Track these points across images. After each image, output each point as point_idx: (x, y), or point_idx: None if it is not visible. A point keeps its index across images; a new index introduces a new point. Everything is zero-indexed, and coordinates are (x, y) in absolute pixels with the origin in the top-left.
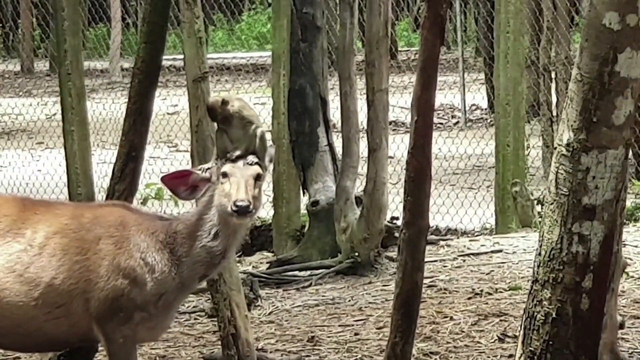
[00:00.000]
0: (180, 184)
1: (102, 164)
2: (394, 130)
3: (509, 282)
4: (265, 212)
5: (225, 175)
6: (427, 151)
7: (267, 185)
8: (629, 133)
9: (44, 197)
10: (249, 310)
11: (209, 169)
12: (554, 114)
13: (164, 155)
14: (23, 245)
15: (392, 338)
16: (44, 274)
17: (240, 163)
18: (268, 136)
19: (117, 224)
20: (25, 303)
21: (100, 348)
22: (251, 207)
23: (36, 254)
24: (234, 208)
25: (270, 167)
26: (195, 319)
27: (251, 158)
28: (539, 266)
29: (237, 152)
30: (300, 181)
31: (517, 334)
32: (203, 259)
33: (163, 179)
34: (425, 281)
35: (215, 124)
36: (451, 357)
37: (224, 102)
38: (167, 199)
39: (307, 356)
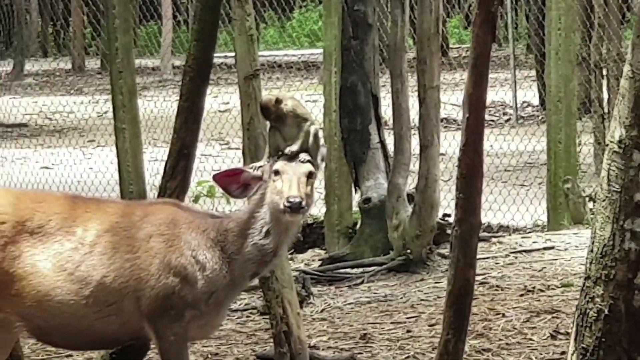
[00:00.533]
0: (232, 182)
1: (154, 161)
2: (445, 127)
3: (561, 279)
4: (317, 209)
5: (277, 173)
6: (478, 148)
7: (319, 183)
8: None
9: (95, 195)
10: (301, 307)
11: (261, 167)
12: (606, 110)
13: (215, 153)
14: (74, 244)
15: (444, 335)
16: (94, 273)
17: (293, 161)
18: (320, 134)
19: (168, 221)
20: (76, 301)
21: (152, 346)
22: (303, 203)
23: (87, 252)
24: (286, 204)
25: (322, 165)
26: (248, 316)
27: (303, 156)
28: (591, 263)
29: (291, 149)
30: (352, 178)
31: (569, 330)
32: (254, 257)
33: (215, 177)
34: (477, 278)
35: (268, 122)
36: (503, 354)
37: (278, 101)
38: (219, 196)
39: (359, 353)
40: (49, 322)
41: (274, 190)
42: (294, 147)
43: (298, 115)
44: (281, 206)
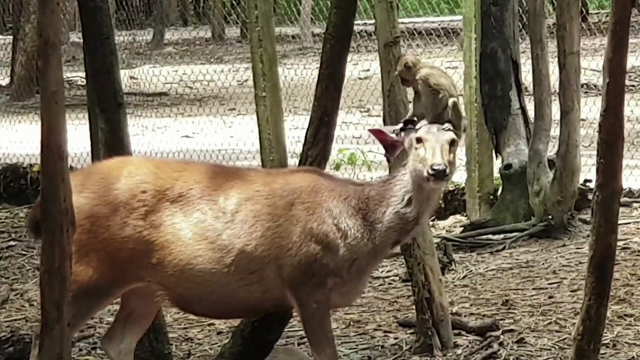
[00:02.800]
0: (384, 139)
1: (295, 129)
2: (585, 93)
3: None
4: (459, 175)
5: (419, 140)
6: (619, 113)
7: (460, 150)
8: None
9: (236, 163)
10: (443, 274)
11: (402, 130)
12: None
13: (356, 120)
14: (215, 212)
15: (586, 301)
16: (236, 241)
17: (435, 128)
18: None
19: (309, 189)
20: (218, 270)
21: (294, 314)
22: (447, 170)
23: (228, 220)
24: (430, 172)
25: (464, 136)
26: (390, 283)
27: (446, 125)
28: None
29: (427, 121)
30: (493, 144)
31: None
32: (396, 225)
33: (372, 132)
34: (619, 243)
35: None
36: None
37: (408, 66)
38: (359, 164)
39: (502, 320)
40: (191, 290)
41: (417, 158)
42: (429, 118)
43: (430, 85)
44: (425, 173)
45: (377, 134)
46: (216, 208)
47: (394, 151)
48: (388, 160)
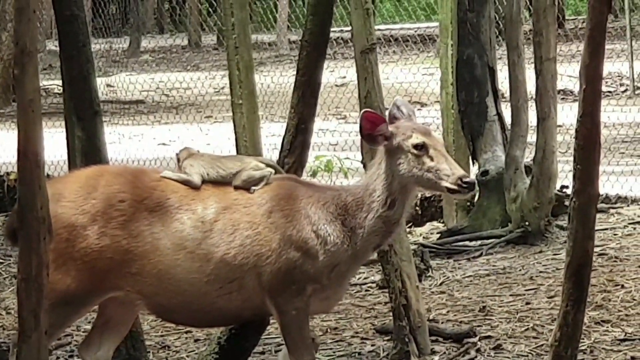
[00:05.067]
0: (371, 127)
1: (271, 136)
2: (562, 99)
3: None
4: None
5: (422, 147)
6: (595, 119)
7: None
8: None
9: None
10: (420, 280)
11: (397, 128)
12: None
13: (333, 127)
14: (194, 222)
15: (563, 307)
16: (215, 250)
17: (422, 127)
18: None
19: (287, 197)
20: (198, 279)
21: (272, 321)
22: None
23: (207, 230)
24: (463, 185)
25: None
26: (366, 290)
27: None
28: None
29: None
30: (470, 151)
31: None
32: (379, 228)
33: (366, 112)
34: (596, 249)
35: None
36: (623, 325)
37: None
38: (336, 171)
39: (479, 326)
40: (170, 300)
41: (423, 166)
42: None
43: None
44: (449, 185)
45: (370, 117)
46: (195, 217)
47: (373, 142)
48: (364, 167)
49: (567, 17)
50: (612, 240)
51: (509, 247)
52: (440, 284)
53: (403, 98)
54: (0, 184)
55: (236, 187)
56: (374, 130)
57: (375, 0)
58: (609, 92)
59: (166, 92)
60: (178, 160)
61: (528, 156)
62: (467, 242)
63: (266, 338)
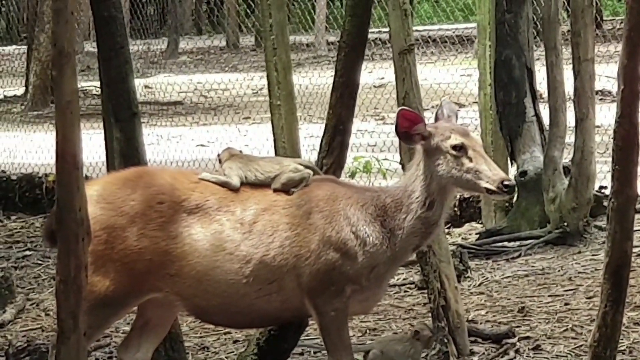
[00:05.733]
0: (408, 125)
1: (310, 137)
2: (600, 99)
3: None
4: None
5: (460, 148)
6: (634, 120)
7: None
8: None
9: None
10: (459, 281)
11: (435, 129)
12: None
13: (371, 128)
14: (233, 223)
15: (602, 307)
16: (255, 251)
17: (460, 127)
18: None
19: (326, 198)
20: (237, 281)
21: (311, 322)
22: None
23: (246, 231)
24: (504, 189)
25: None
26: (405, 291)
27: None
28: None
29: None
30: (508, 152)
31: None
32: (418, 230)
33: (403, 110)
34: (635, 250)
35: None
36: None
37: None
38: (374, 172)
39: (518, 327)
40: (209, 301)
41: (462, 167)
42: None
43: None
44: (489, 186)
45: (407, 115)
46: (234, 219)
47: (409, 140)
48: (403, 168)
49: (605, 18)
50: None
51: (548, 248)
52: (479, 285)
53: (446, 99)
54: (38, 185)
55: (275, 190)
56: (410, 128)
57: (413, 1)
58: None
59: (204, 93)
60: (219, 161)
61: (566, 157)
62: (505, 243)
63: (305, 339)
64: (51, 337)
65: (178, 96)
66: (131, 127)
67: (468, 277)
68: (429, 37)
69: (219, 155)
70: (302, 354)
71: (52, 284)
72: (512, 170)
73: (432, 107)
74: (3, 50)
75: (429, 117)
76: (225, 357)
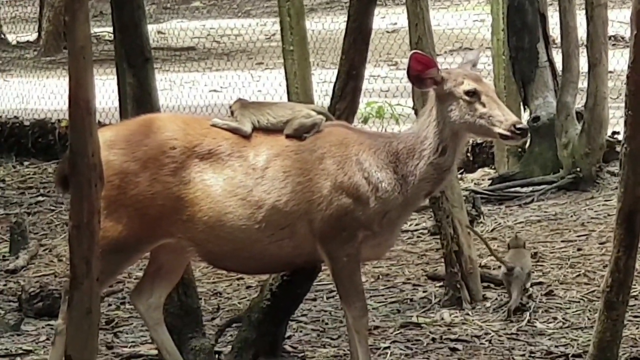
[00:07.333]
0: (421, 68)
1: (322, 83)
2: (613, 45)
3: None
4: None
5: (473, 93)
6: None
7: None
8: None
9: None
10: (472, 227)
11: (448, 74)
12: None
13: (384, 74)
14: (245, 169)
15: (615, 253)
16: (267, 197)
17: (474, 74)
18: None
19: (338, 143)
20: (249, 226)
21: (323, 267)
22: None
23: (259, 176)
24: (517, 132)
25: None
26: (418, 236)
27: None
28: None
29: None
30: (521, 97)
31: None
32: (430, 175)
33: (415, 54)
34: None
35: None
36: None
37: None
38: (387, 117)
39: (531, 272)
40: (222, 247)
41: (475, 112)
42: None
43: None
44: (502, 131)
45: (419, 58)
46: (246, 164)
47: (420, 84)
48: (416, 113)
49: None
50: None
51: (561, 193)
52: (492, 230)
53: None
54: (51, 131)
55: (288, 136)
56: (423, 72)
57: None
58: None
59: (217, 38)
60: (232, 113)
61: (579, 102)
62: (518, 189)
63: (318, 284)
64: (64, 283)
65: (191, 42)
66: (144, 73)
67: (481, 222)
68: None
69: (230, 107)
70: (314, 299)
71: (65, 229)
72: (525, 116)
73: (445, 52)
74: None
75: (441, 62)
76: (238, 303)
